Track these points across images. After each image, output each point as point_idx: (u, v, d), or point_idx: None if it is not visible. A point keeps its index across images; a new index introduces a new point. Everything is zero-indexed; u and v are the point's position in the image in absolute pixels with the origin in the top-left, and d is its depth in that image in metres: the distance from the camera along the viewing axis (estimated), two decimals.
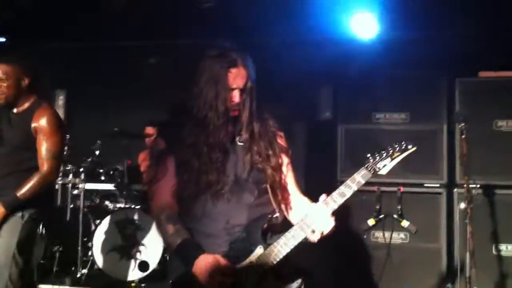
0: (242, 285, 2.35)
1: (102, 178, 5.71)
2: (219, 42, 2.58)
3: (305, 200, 2.60)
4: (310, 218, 2.38)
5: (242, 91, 2.51)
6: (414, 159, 2.50)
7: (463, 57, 5.30)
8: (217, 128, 2.50)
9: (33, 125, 3.43)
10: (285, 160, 2.65)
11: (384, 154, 2.50)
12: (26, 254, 3.43)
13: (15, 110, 3.52)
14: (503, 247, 4.18)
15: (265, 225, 2.45)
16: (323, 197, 2.41)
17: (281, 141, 2.66)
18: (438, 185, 4.44)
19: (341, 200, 2.38)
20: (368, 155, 2.48)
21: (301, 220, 2.39)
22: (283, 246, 2.37)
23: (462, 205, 3.55)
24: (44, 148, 3.44)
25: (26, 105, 3.51)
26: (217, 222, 2.46)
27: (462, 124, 4.24)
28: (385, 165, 2.48)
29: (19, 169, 3.42)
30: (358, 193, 2.44)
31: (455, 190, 4.35)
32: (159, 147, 2.57)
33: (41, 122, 3.44)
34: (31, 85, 3.52)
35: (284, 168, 2.64)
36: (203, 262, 2.34)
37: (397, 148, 2.52)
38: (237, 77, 2.49)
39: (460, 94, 4.51)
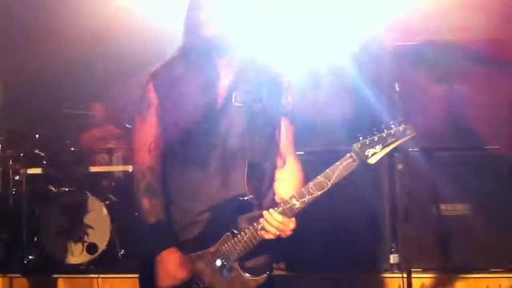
0: (204, 278, 2.30)
1: (44, 162, 5.58)
2: None
3: (295, 168, 2.44)
4: (269, 220, 2.25)
5: None
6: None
7: None
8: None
9: None
10: (285, 123, 2.43)
11: (376, 139, 2.19)
12: None
13: None
14: (442, 206, 4.31)
15: (236, 209, 2.32)
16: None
17: (288, 97, 2.43)
18: None
19: (318, 193, 2.21)
20: (358, 136, 2.18)
21: (258, 223, 2.28)
22: (245, 242, 2.28)
23: (400, 166, 3.65)
24: None
25: None
26: (199, 202, 2.33)
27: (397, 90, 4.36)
28: (375, 153, 2.19)
29: None
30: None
31: (396, 154, 4.43)
32: (144, 83, 2.41)
33: None
34: None
35: (283, 135, 2.43)
36: (168, 260, 2.28)
37: (393, 133, 2.18)
38: None
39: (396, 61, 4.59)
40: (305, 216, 4.34)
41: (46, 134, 5.74)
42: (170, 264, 2.28)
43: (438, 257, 4.23)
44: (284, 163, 2.43)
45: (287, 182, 2.41)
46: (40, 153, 5.57)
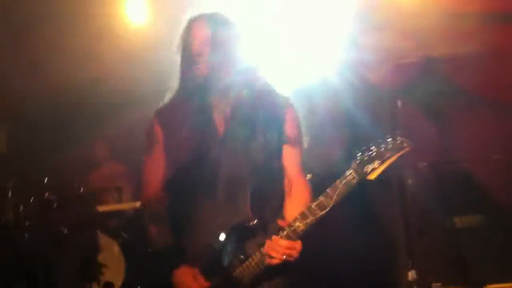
0: None
1: (55, 205, 5.59)
2: None
3: (303, 193, 2.45)
4: (272, 246, 2.26)
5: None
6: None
7: None
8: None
9: None
10: (290, 149, 2.46)
11: (374, 154, 2.21)
12: None
13: None
14: (457, 219, 4.30)
15: (242, 235, 2.35)
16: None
17: (290, 124, 2.46)
18: None
19: (321, 213, 2.23)
20: (357, 153, 2.21)
21: (262, 248, 2.30)
22: (253, 268, 2.31)
23: (410, 181, 3.66)
24: None
25: None
26: (208, 230, 2.37)
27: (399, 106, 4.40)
28: (374, 169, 2.20)
29: None
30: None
31: (405, 171, 4.45)
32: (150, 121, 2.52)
33: None
34: None
35: (288, 161, 2.46)
36: (183, 275, 2.32)
37: (390, 147, 2.20)
38: None
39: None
40: (321, 238, 4.40)
41: (55, 177, 5.76)
42: (186, 277, 2.31)
43: (457, 270, 4.22)
44: (292, 188, 2.46)
45: (295, 207, 2.41)
46: (50, 196, 5.58)
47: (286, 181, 2.47)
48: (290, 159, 2.46)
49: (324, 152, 4.62)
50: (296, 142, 2.49)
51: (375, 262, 4.39)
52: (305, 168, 2.54)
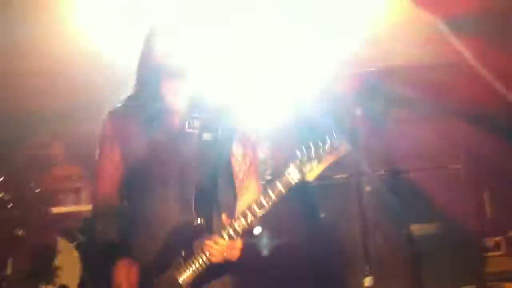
0: None
1: (10, 205, 5.48)
2: None
3: (255, 193, 2.45)
4: (212, 245, 2.29)
5: None
6: None
7: None
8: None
9: None
10: (244, 149, 2.50)
11: (313, 155, 2.25)
12: None
13: None
14: (413, 227, 4.38)
15: (189, 234, 2.36)
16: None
17: (246, 125, 2.52)
18: (345, 176, 4.56)
19: (260, 212, 2.26)
20: (297, 152, 2.25)
21: (202, 247, 2.32)
22: (196, 267, 2.32)
23: (368, 188, 3.70)
24: None
25: None
26: (158, 226, 2.37)
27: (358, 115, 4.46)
28: (312, 170, 2.24)
29: None
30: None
31: (363, 178, 4.50)
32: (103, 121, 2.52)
33: None
34: None
35: (240, 162, 2.50)
36: (120, 268, 2.33)
37: (327, 148, 2.24)
38: None
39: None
40: (276, 242, 4.42)
41: (9, 177, 5.64)
42: (122, 270, 2.33)
43: (412, 277, 4.29)
44: (245, 188, 2.50)
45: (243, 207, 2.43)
46: (4, 196, 5.47)
47: (237, 182, 2.51)
48: (243, 160, 2.50)
49: (281, 160, 4.64)
50: (249, 142, 2.54)
51: (332, 268, 4.43)
52: (260, 174, 2.57)
